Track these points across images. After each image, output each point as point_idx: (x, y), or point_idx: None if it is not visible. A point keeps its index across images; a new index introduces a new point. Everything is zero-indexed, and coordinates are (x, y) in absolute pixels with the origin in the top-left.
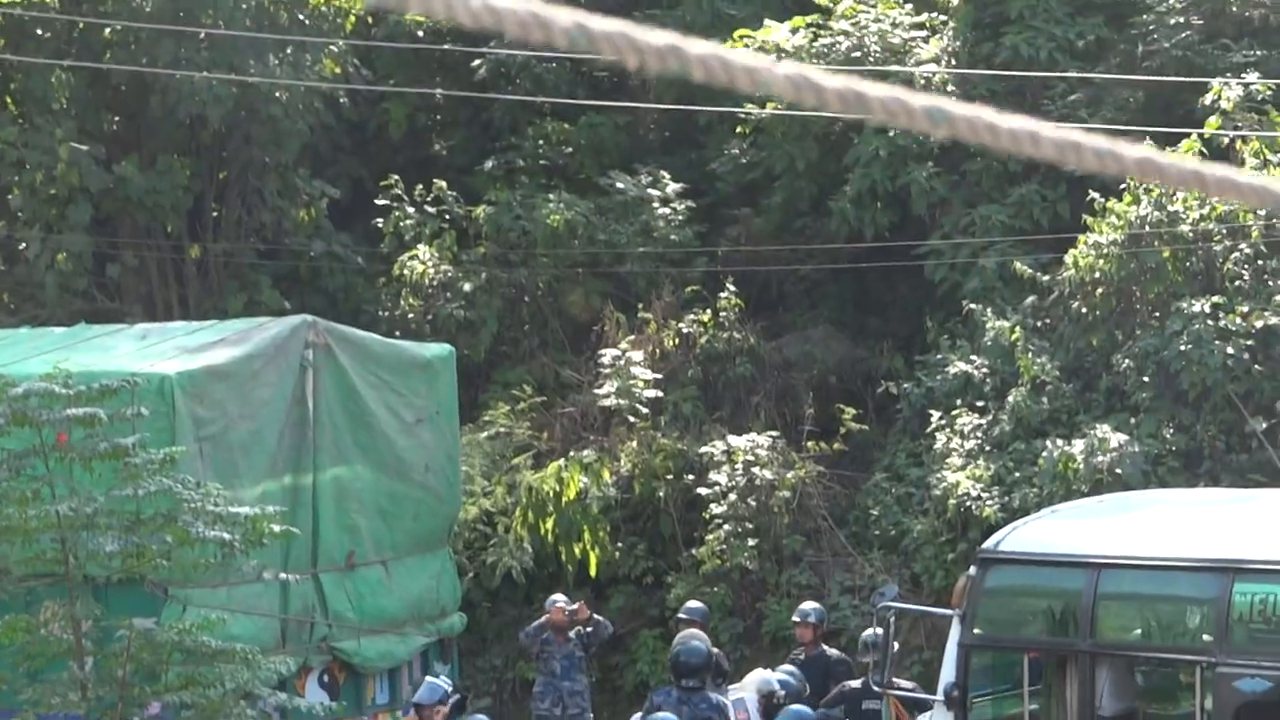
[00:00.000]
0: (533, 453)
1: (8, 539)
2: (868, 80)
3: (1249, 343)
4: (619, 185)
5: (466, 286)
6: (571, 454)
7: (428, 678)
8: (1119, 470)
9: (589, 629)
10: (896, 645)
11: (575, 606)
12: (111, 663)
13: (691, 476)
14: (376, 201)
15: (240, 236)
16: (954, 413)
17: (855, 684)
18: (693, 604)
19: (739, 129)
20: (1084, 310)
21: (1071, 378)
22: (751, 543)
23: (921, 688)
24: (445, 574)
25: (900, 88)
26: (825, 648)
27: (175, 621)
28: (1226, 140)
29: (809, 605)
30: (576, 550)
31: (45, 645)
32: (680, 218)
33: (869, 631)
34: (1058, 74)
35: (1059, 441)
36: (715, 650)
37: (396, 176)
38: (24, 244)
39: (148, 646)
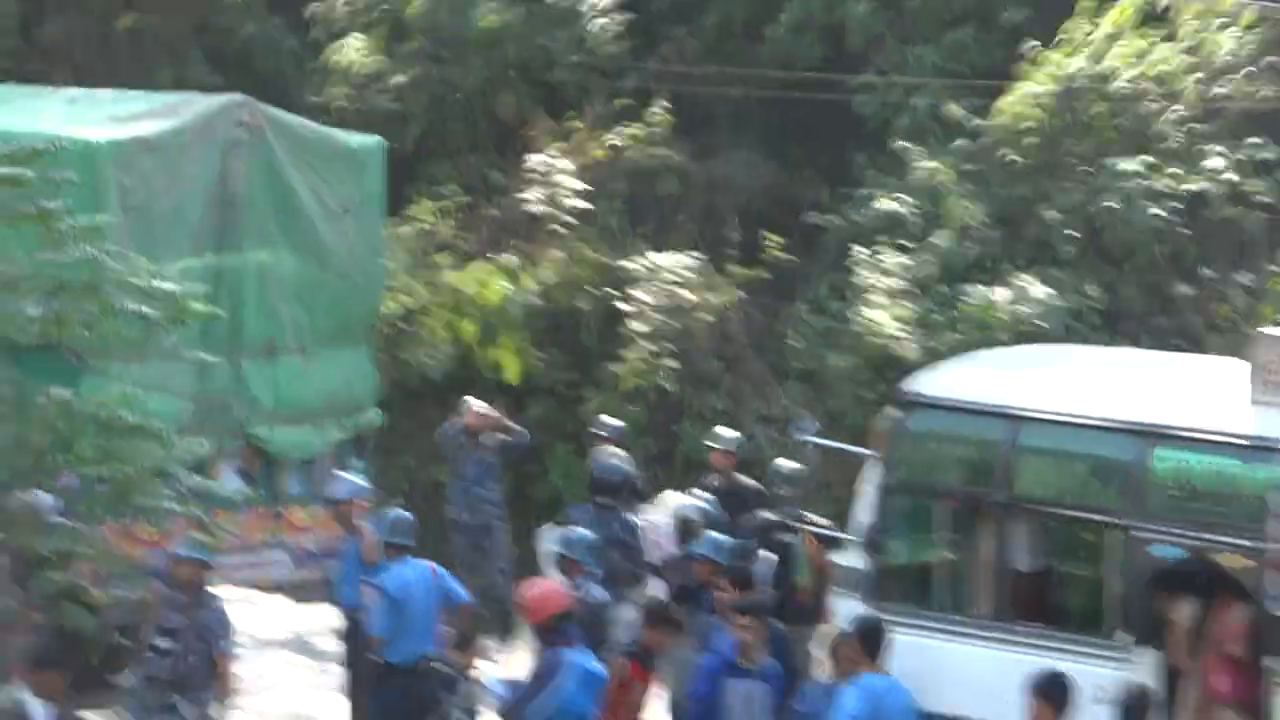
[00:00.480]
0: (456, 252)
1: None
2: None
3: (1178, 205)
4: None
5: (397, 79)
6: (494, 257)
7: (340, 473)
8: (1041, 322)
9: (507, 436)
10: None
11: (489, 411)
12: (27, 428)
13: (614, 291)
14: None
15: (172, 10)
16: (878, 249)
17: (770, 515)
18: (609, 419)
19: None
20: (1013, 159)
21: (998, 225)
22: (670, 364)
23: (836, 525)
24: (363, 368)
25: None
26: (740, 477)
27: (94, 394)
28: None
29: (728, 433)
30: (495, 355)
31: None
32: (614, 31)
33: (784, 463)
34: None
35: (982, 288)
36: (632, 471)
37: None
38: None
39: (64, 416)
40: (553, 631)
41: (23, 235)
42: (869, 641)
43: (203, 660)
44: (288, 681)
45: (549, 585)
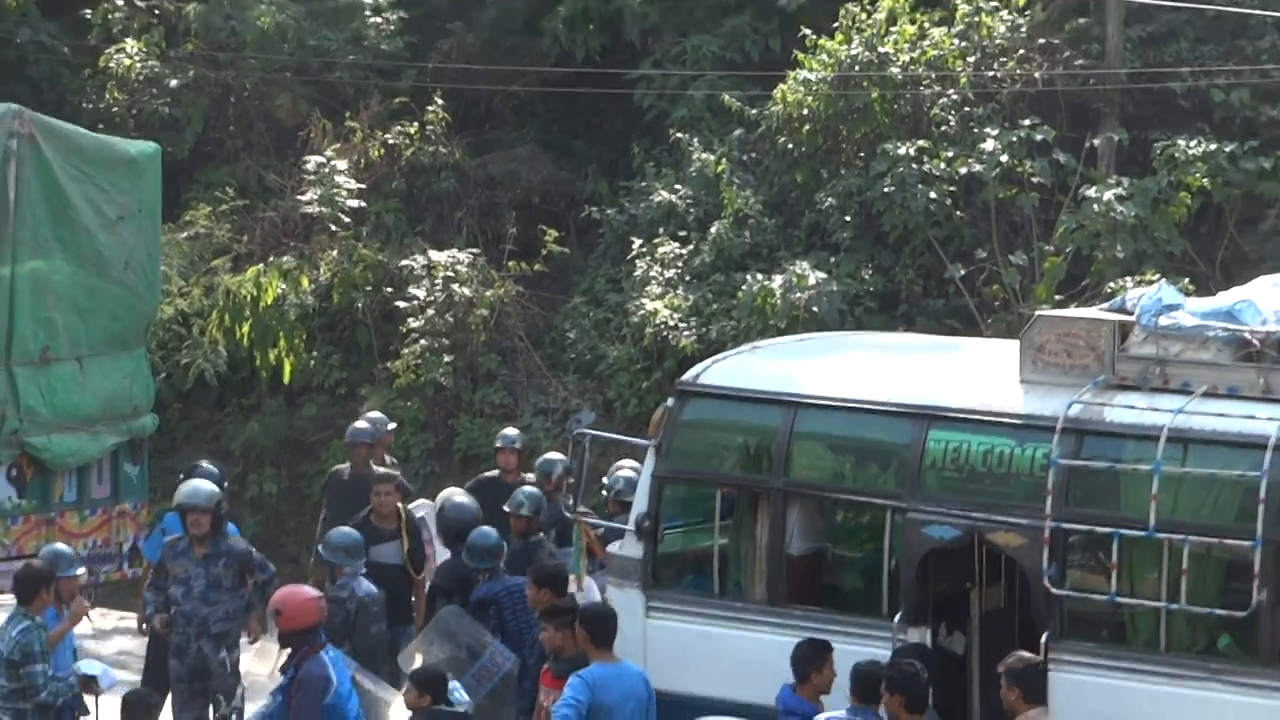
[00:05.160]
0: (232, 256)
1: None
2: None
3: (952, 189)
4: None
5: (173, 83)
6: (271, 259)
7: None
8: (816, 308)
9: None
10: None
11: None
12: None
13: (390, 289)
14: None
15: None
16: (655, 241)
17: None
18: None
19: None
20: (790, 146)
21: (775, 213)
22: (447, 359)
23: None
24: (140, 373)
25: None
26: (523, 475)
27: None
28: None
29: (513, 431)
30: (271, 356)
31: None
32: (392, 27)
33: (553, 455)
34: None
35: (759, 276)
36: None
37: None
38: None
39: None
40: (305, 638)
41: None
42: (595, 630)
43: None
44: None
45: (301, 594)
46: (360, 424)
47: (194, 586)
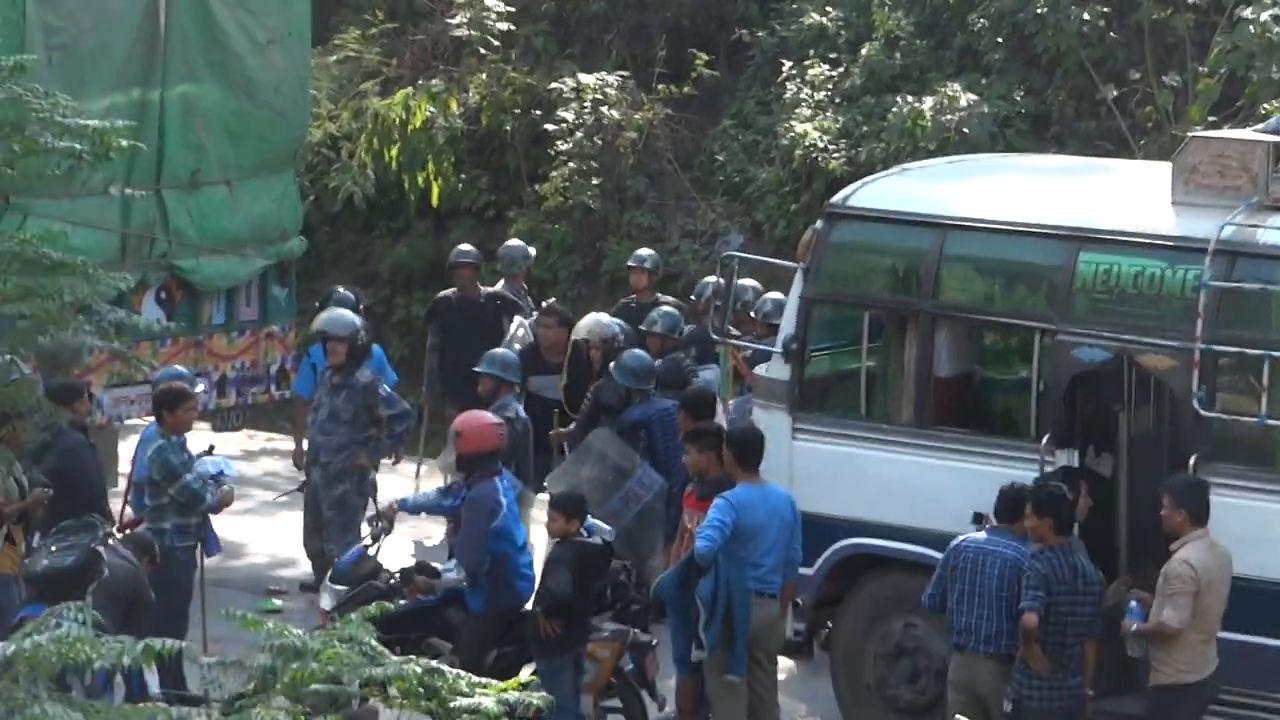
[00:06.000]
0: (381, 79)
1: None
2: None
3: (1106, 9)
4: None
5: None
6: (420, 82)
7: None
8: (966, 130)
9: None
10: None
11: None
12: None
13: (539, 112)
14: None
15: None
16: (806, 63)
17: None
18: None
19: None
20: None
21: (926, 34)
22: (595, 182)
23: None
24: (288, 197)
25: None
26: (659, 296)
27: (17, 231)
28: None
29: (645, 251)
30: (419, 179)
31: None
32: None
33: (707, 279)
34: None
35: (909, 98)
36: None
37: None
38: None
39: None
40: (481, 463)
41: None
42: (742, 452)
43: None
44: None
45: (484, 419)
46: (463, 245)
47: (320, 415)
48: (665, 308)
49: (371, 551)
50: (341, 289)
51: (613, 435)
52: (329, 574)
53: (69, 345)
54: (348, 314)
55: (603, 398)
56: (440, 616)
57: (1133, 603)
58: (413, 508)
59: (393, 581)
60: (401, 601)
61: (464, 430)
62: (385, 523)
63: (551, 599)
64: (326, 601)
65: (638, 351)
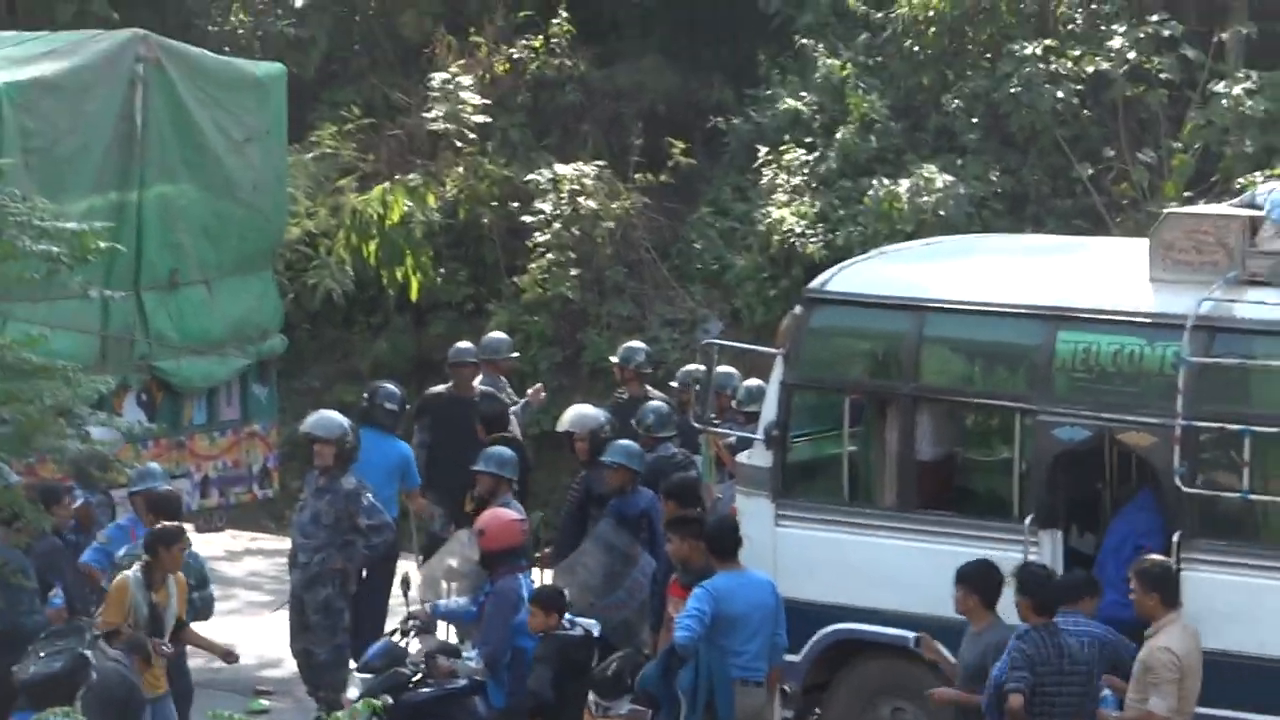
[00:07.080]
0: (358, 175)
1: None
2: None
3: (1079, 87)
4: None
5: (298, 3)
6: (397, 177)
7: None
8: (943, 211)
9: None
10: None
11: None
12: None
13: (517, 204)
14: None
15: None
16: (782, 149)
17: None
18: (496, 335)
19: None
20: (916, 49)
21: (901, 117)
22: (574, 273)
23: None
24: (268, 295)
25: None
26: (649, 389)
27: None
28: None
29: (635, 345)
30: (398, 274)
31: None
32: None
33: (690, 368)
34: None
35: (885, 181)
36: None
37: None
38: None
39: None
40: (505, 559)
41: None
42: (715, 543)
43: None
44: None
45: (506, 516)
46: (463, 344)
47: (302, 516)
48: (655, 403)
49: (401, 644)
50: (389, 385)
51: (618, 525)
52: (358, 664)
53: (98, 455)
54: (335, 416)
55: (593, 488)
56: (463, 707)
57: (1106, 691)
58: (444, 614)
59: (419, 669)
60: (427, 688)
61: (487, 528)
62: (418, 623)
63: (533, 700)
64: (353, 691)
65: (624, 442)
